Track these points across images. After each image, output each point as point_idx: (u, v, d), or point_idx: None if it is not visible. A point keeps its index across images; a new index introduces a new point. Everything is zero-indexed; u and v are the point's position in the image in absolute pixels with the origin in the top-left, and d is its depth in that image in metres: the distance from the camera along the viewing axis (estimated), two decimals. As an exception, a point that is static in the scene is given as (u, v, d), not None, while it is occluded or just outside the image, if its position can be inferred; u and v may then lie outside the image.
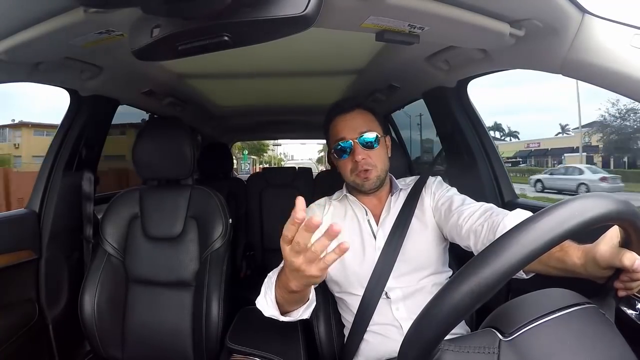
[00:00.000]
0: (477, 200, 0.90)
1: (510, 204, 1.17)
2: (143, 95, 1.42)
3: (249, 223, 2.24)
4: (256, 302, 0.77)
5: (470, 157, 1.26)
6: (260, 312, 0.76)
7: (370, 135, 0.91)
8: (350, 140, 0.90)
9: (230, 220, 1.10)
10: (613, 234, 0.50)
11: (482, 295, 0.34)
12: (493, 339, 0.39)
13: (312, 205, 1.02)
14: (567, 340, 0.38)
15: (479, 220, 0.79)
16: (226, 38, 0.55)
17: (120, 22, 0.68)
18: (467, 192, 0.95)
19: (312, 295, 0.77)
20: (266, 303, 0.75)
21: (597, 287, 0.49)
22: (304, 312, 0.76)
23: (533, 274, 0.69)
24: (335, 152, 0.93)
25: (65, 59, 0.93)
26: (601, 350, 0.38)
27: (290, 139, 4.09)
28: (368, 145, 0.90)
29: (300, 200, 0.47)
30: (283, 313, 0.75)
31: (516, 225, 0.37)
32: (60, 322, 1.15)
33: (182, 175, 1.15)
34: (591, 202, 0.37)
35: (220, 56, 0.68)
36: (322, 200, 1.03)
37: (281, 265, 0.74)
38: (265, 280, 0.79)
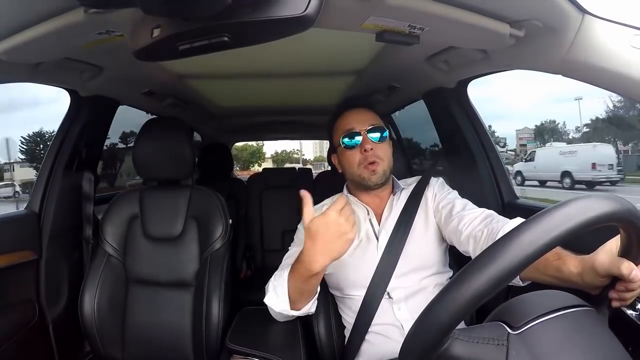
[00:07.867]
0: (477, 201, 0.90)
1: (510, 205, 1.18)
2: (143, 95, 1.42)
3: (249, 224, 2.23)
4: (265, 299, 0.82)
5: (470, 158, 1.26)
6: (260, 312, 0.77)
7: (380, 129, 0.92)
8: (360, 131, 0.90)
9: (230, 220, 1.10)
10: (613, 245, 0.50)
11: (508, 275, 0.35)
12: (502, 332, 0.39)
13: None
14: (573, 337, 0.39)
15: (479, 227, 0.79)
16: (226, 38, 0.55)
17: (120, 23, 0.68)
18: (467, 193, 0.95)
19: (318, 287, 0.81)
20: (277, 297, 0.79)
21: (590, 298, 0.50)
22: (312, 306, 0.83)
23: (529, 281, 0.69)
24: (343, 143, 0.92)
25: (65, 59, 0.93)
26: (604, 349, 0.39)
27: (290, 139, 4.10)
28: (377, 138, 0.91)
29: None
30: (293, 309, 0.80)
31: (523, 222, 0.37)
32: (60, 322, 1.15)
33: (182, 176, 1.15)
34: (590, 203, 0.37)
35: (221, 56, 0.68)
36: (322, 204, 1.02)
37: (290, 260, 0.81)
38: (273, 278, 0.84)
